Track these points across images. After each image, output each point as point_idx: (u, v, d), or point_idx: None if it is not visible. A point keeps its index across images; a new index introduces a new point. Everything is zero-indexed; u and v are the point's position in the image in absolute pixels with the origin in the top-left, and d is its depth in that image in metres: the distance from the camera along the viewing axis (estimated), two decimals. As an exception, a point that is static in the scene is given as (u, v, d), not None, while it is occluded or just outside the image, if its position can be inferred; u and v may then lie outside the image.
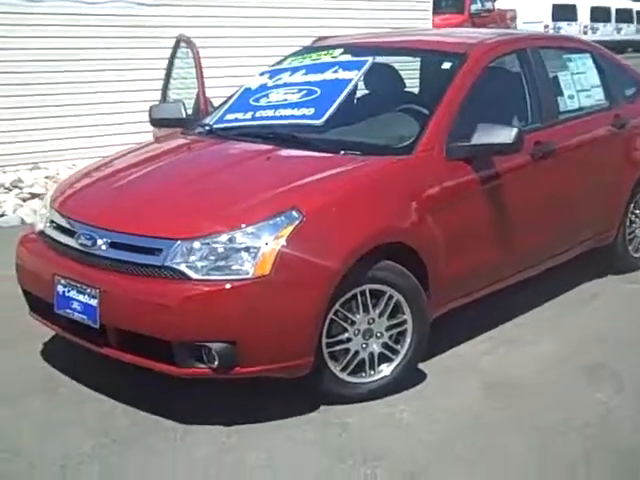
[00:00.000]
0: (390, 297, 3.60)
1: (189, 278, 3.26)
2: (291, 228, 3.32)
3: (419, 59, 5.00)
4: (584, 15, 24.68)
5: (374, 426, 3.45)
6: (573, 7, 24.40)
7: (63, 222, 3.71)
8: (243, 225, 3.33)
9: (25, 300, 3.89)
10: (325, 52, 4.65)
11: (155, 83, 6.70)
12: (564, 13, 23.96)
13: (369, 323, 3.59)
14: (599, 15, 25.12)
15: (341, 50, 4.60)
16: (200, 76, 5.27)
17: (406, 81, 4.98)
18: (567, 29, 23.19)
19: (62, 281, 3.53)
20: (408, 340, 3.68)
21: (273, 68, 4.78)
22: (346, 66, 4.40)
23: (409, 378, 3.75)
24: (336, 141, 4.01)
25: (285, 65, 4.75)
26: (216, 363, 3.26)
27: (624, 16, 26.47)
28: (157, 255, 3.32)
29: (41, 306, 3.73)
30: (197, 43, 5.77)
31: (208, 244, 3.30)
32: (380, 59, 4.61)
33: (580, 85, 5.07)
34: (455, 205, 3.92)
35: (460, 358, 4.09)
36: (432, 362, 3.96)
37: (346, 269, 3.39)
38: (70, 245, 3.59)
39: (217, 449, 3.25)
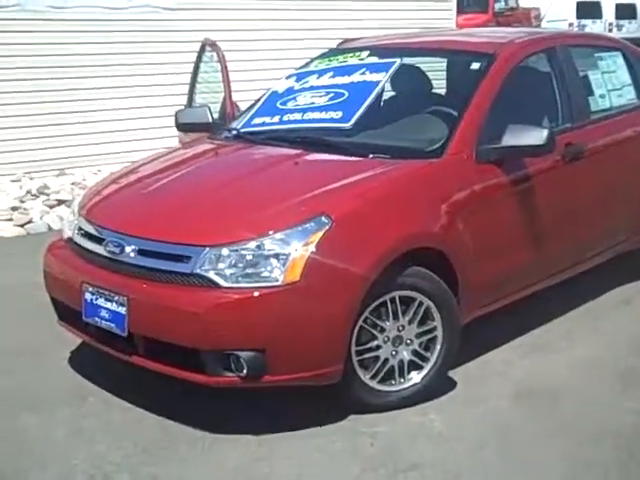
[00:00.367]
0: (420, 303, 3.55)
1: (218, 286, 3.23)
2: (320, 234, 3.28)
3: (447, 60, 4.93)
4: (609, 12, 24.35)
5: (405, 435, 3.39)
6: (598, 4, 24.10)
7: (91, 229, 3.69)
8: (272, 231, 3.30)
9: (53, 308, 3.88)
10: (352, 54, 4.61)
11: (181, 88, 6.71)
12: (589, 10, 23.67)
13: (399, 330, 3.53)
14: (624, 12, 24.76)
15: (368, 52, 4.55)
16: (226, 80, 5.25)
17: (434, 83, 4.93)
18: (592, 27, 22.92)
19: (90, 289, 3.51)
20: (438, 347, 3.62)
21: (300, 71, 4.74)
22: (373, 68, 4.35)
23: (439, 386, 3.69)
24: (365, 144, 3.97)
25: (312, 68, 4.71)
26: (245, 372, 3.23)
27: (650, 13, 26.13)
28: (186, 262, 3.29)
29: (69, 314, 3.72)
30: (223, 47, 5.76)
31: (237, 251, 3.27)
32: (407, 60, 4.56)
33: (611, 84, 4.98)
34: (485, 209, 3.86)
35: (491, 365, 4.02)
36: (462, 369, 3.90)
37: (376, 275, 3.34)
38: (98, 252, 3.57)
39: (247, 459, 3.22)
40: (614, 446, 3.31)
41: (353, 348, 3.42)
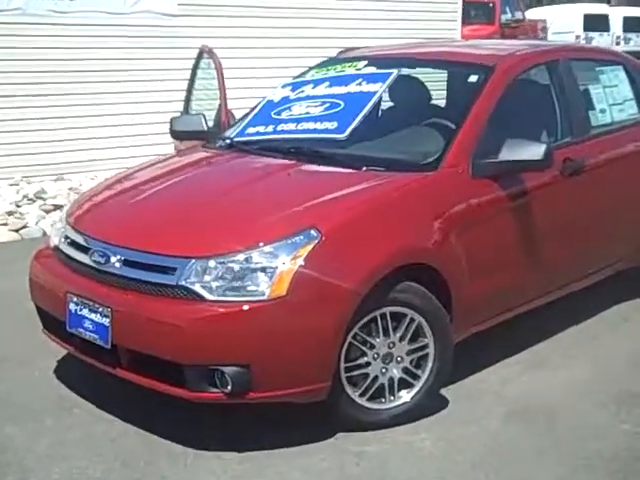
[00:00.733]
0: (411, 320, 3.47)
1: (203, 299, 3.16)
2: (309, 248, 3.21)
3: (446, 71, 4.87)
4: (617, 25, 24.30)
5: (393, 455, 3.31)
6: (605, 17, 24.06)
7: (77, 238, 3.62)
8: (260, 244, 3.23)
9: (38, 317, 3.81)
10: (349, 64, 4.54)
11: (181, 94, 6.63)
12: (596, 23, 23.62)
13: (389, 347, 3.46)
14: (632, 25, 24.68)
15: (365, 62, 4.49)
16: (222, 88, 5.18)
17: (434, 94, 4.86)
18: (599, 40, 22.86)
19: (74, 299, 3.44)
20: (430, 365, 3.54)
21: (296, 80, 4.68)
22: (370, 78, 4.27)
23: (431, 404, 3.60)
24: (358, 156, 3.90)
25: (308, 77, 4.64)
26: (229, 388, 3.15)
27: (658, 26, 26.06)
28: (171, 274, 3.22)
29: (54, 324, 3.65)
30: (224, 54, 5.70)
31: (224, 263, 3.20)
32: (405, 71, 4.50)
33: (612, 98, 4.91)
34: (481, 224, 3.78)
35: (485, 383, 3.94)
36: (455, 387, 3.82)
37: (366, 291, 3.26)
38: (83, 262, 3.51)
39: (228, 477, 3.14)
40: (608, 472, 3.22)
41: (342, 365, 3.34)
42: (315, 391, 3.26)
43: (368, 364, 3.42)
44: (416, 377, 3.54)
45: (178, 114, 5.41)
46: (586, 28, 23.30)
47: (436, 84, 5.02)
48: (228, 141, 4.40)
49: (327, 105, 4.21)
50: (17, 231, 6.59)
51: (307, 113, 4.22)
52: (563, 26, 22.47)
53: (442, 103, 4.94)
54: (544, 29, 21.93)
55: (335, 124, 4.05)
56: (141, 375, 3.32)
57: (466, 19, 13.18)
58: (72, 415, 3.59)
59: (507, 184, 3.88)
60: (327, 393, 3.28)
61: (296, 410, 3.39)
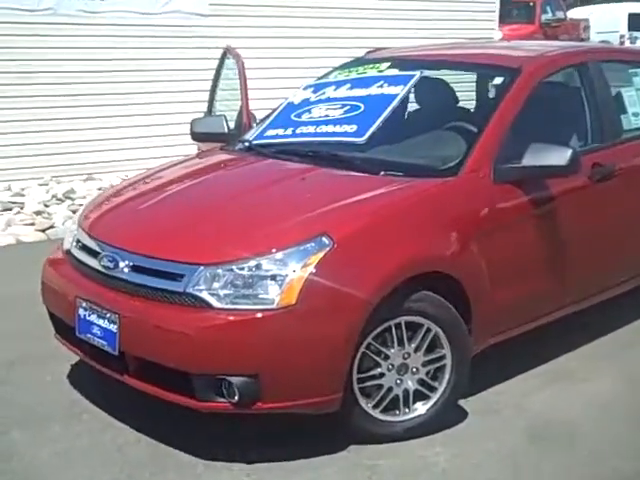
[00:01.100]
0: (428, 330, 3.36)
1: (211, 306, 3.08)
2: (320, 255, 3.11)
3: (472, 73, 4.73)
4: (663, 25, 23.74)
5: (407, 470, 3.21)
6: (651, 16, 23.52)
7: (88, 242, 3.57)
8: (271, 251, 3.14)
9: (50, 322, 3.78)
10: (372, 65, 4.44)
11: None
12: (642, 22, 23.10)
13: (404, 358, 3.35)
14: (680, 25, 24.12)
15: (388, 64, 4.37)
16: (244, 89, 5.09)
17: (466, 96, 4.72)
18: (644, 39, 22.37)
19: (84, 304, 3.39)
20: (447, 377, 3.43)
21: (318, 82, 4.58)
22: (392, 81, 4.16)
23: (448, 417, 3.49)
24: (376, 161, 3.79)
25: (330, 79, 4.55)
26: (237, 398, 3.07)
27: None
28: (179, 281, 3.15)
29: (65, 329, 3.60)
30: (253, 54, 5.62)
31: (232, 270, 3.12)
32: (429, 73, 4.37)
33: (647, 101, 4.73)
34: (503, 232, 3.64)
35: (505, 396, 3.80)
36: (474, 399, 3.69)
37: (379, 300, 3.16)
38: (93, 266, 3.45)
39: (238, 489, 3.07)
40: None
41: (355, 375, 3.25)
42: (326, 402, 3.17)
43: (382, 375, 3.32)
44: (432, 389, 3.43)
45: (198, 115, 5.34)
46: (631, 27, 22.77)
47: (467, 86, 4.90)
48: (247, 144, 4.32)
49: (347, 108, 4.11)
50: (44, 231, 6.59)
51: (327, 116, 4.13)
52: (607, 25, 21.98)
53: (469, 106, 4.81)
54: (586, 28, 21.52)
55: (354, 127, 3.95)
56: (149, 383, 3.25)
57: (506, 18, 12.98)
58: (81, 421, 3.54)
59: (531, 190, 3.75)
60: (339, 405, 3.19)
61: (309, 421, 3.30)
